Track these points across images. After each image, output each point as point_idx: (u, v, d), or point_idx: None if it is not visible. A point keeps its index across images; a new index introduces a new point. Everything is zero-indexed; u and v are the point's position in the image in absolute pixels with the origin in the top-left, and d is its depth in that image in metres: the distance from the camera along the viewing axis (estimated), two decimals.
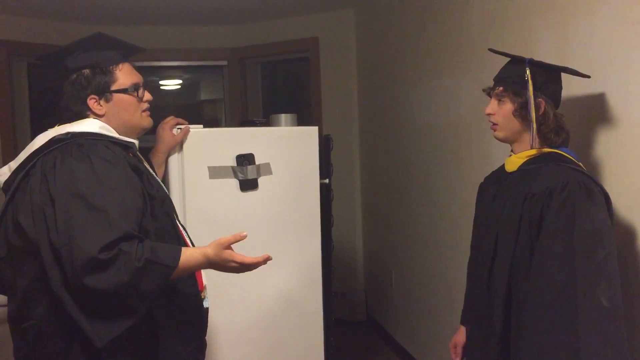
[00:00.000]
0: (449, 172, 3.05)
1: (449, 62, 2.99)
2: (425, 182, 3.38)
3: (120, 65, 1.72)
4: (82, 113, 1.68)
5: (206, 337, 1.83)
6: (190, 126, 2.26)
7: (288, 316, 2.46)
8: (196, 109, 5.50)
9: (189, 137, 2.25)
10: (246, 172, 2.34)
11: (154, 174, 1.86)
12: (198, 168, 2.29)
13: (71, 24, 4.42)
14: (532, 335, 1.50)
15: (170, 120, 2.22)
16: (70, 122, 1.66)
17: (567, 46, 2.01)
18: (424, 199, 3.40)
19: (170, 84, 5.45)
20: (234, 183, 2.34)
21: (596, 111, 1.84)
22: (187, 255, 1.53)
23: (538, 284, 1.51)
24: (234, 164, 2.34)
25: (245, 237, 1.57)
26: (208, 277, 1.87)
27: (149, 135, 2.41)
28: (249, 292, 2.39)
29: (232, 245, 1.58)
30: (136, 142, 1.77)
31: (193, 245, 1.84)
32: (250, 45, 4.85)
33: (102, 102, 1.68)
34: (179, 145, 2.25)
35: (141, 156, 1.86)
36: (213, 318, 2.33)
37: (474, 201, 2.79)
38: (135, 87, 1.73)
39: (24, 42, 4.11)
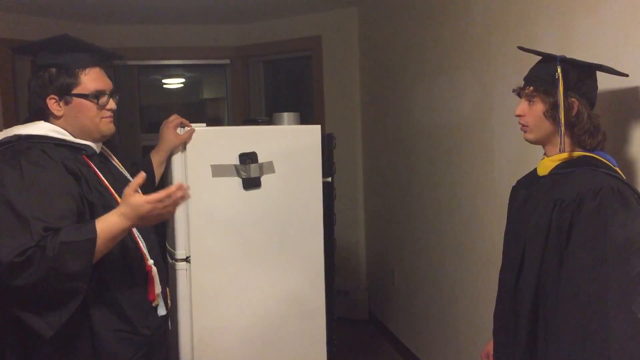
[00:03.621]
0: (451, 171, 3.05)
1: (452, 60, 2.99)
2: (427, 181, 3.38)
3: (88, 70, 1.69)
4: (42, 111, 1.68)
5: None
6: (194, 125, 2.27)
7: (291, 314, 2.47)
8: (199, 108, 5.50)
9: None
10: (249, 171, 2.35)
11: (105, 178, 1.76)
12: (201, 166, 2.29)
13: (74, 23, 4.43)
14: (560, 349, 1.44)
15: (175, 119, 2.22)
16: (31, 119, 1.68)
17: (569, 44, 2.01)
18: (426, 197, 3.40)
19: (173, 83, 5.46)
20: (236, 181, 2.35)
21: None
22: (103, 221, 1.53)
23: (566, 296, 1.44)
24: (237, 162, 2.34)
25: (144, 176, 1.58)
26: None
27: (154, 134, 2.42)
28: (252, 290, 2.39)
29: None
30: (94, 145, 1.75)
31: (153, 255, 1.80)
32: (253, 44, 4.85)
33: (61, 103, 1.67)
34: (182, 144, 2.26)
35: (110, 157, 1.87)
36: (216, 316, 2.35)
37: (477, 200, 2.80)
38: (97, 94, 1.70)
39: (28, 40, 4.11)
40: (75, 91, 1.68)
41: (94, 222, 1.53)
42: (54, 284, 1.46)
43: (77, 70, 1.68)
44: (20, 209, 1.47)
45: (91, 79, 1.70)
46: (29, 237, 1.44)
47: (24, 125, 1.67)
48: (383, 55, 4.05)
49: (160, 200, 1.55)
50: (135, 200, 1.53)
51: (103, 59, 1.78)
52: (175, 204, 1.59)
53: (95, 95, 1.70)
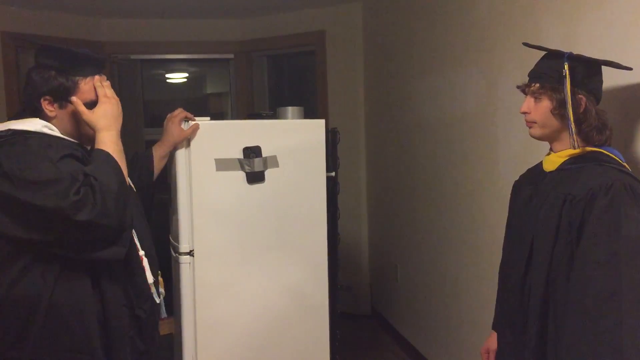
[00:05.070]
0: (454, 166, 3.05)
1: (457, 55, 2.98)
2: (431, 176, 3.38)
3: (89, 79, 1.70)
4: (35, 110, 1.68)
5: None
6: (198, 118, 2.27)
7: (294, 309, 2.47)
8: (202, 102, 5.51)
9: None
10: (253, 165, 2.35)
11: None
12: (205, 160, 2.29)
13: (78, 17, 4.43)
14: (572, 347, 1.42)
15: (179, 113, 2.22)
16: (25, 115, 1.69)
17: (576, 40, 2.01)
18: (430, 192, 3.40)
19: (177, 77, 5.46)
20: (240, 175, 2.35)
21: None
22: (98, 144, 1.65)
23: (579, 293, 1.42)
24: (241, 156, 2.34)
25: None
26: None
27: (157, 128, 2.42)
28: (255, 284, 2.40)
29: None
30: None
31: (145, 246, 1.85)
32: (256, 38, 4.85)
33: (55, 105, 1.68)
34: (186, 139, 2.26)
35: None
36: (219, 309, 2.35)
37: (480, 195, 2.80)
38: (93, 104, 1.70)
39: (32, 34, 4.12)
40: (72, 98, 1.68)
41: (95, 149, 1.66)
42: (112, 205, 1.55)
43: (78, 78, 1.68)
44: (51, 169, 1.53)
45: (90, 88, 1.70)
46: (74, 179, 1.51)
47: (18, 120, 1.67)
48: (387, 50, 4.04)
49: (104, 96, 1.68)
50: (93, 115, 1.66)
51: (105, 66, 1.81)
52: (108, 89, 1.71)
53: (91, 105, 1.70)
